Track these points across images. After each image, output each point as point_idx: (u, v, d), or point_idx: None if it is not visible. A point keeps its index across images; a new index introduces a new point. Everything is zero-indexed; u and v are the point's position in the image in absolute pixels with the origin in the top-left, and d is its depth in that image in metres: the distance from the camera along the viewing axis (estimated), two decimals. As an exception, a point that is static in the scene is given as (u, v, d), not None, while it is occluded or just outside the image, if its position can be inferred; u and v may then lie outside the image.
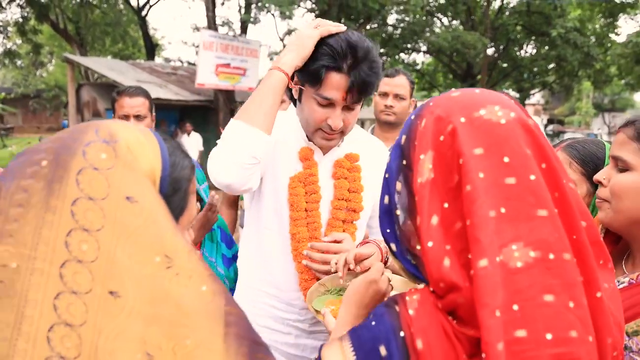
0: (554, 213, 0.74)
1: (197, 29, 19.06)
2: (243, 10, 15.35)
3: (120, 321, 0.61)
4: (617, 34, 21.70)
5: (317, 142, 1.68)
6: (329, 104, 1.55)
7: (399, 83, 2.87)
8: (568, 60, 19.30)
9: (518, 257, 0.71)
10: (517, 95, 26.13)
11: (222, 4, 16.08)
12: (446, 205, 0.78)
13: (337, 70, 1.49)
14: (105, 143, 0.69)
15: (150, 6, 21.32)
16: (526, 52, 22.64)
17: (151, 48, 21.40)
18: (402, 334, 0.76)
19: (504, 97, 0.85)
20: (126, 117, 2.64)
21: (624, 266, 1.21)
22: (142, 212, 0.66)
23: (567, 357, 0.68)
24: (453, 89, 0.90)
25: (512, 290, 0.69)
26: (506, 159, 0.75)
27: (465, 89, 0.88)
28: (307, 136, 1.71)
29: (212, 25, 14.08)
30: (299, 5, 15.71)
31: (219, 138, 1.55)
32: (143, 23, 21.08)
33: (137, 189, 0.67)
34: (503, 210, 0.73)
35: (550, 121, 32.62)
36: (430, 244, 0.76)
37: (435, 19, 20.83)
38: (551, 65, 21.88)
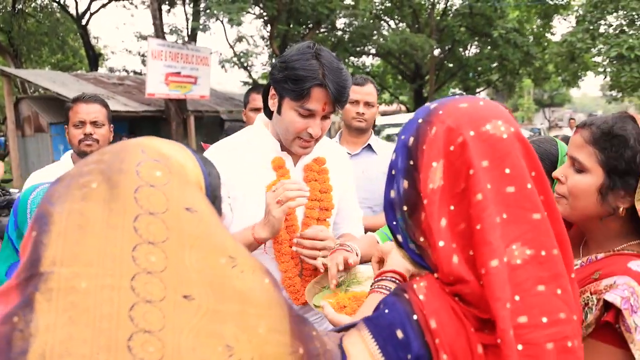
0: (544, 216, 0.87)
1: (142, 37, 18.62)
2: (191, 18, 15.09)
3: (198, 321, 0.64)
4: (552, 34, 22.70)
5: (295, 150, 1.77)
6: (310, 114, 1.66)
7: (369, 91, 2.95)
8: (510, 59, 20.05)
9: (517, 255, 0.83)
10: (464, 93, 26.89)
11: (169, 11, 15.72)
12: (452, 207, 0.88)
13: (320, 86, 1.61)
14: (156, 162, 0.73)
15: (91, 14, 20.60)
16: (470, 52, 23.31)
17: (94, 58, 20.72)
18: (415, 317, 0.85)
19: (504, 110, 0.95)
20: (82, 124, 2.47)
21: (580, 251, 1.37)
22: (202, 220, 0.71)
23: (559, 335, 0.82)
24: (457, 97, 0.98)
25: (514, 284, 0.82)
26: (507, 170, 0.87)
27: (470, 97, 0.98)
28: (281, 145, 1.82)
29: (160, 33, 13.77)
30: (248, 12, 15.58)
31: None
32: (84, 32, 20.35)
33: (193, 200, 0.72)
34: (505, 215, 0.84)
35: (494, 118, 33.69)
36: (441, 243, 0.86)
37: (382, 22, 21.14)
38: (494, 64, 22.65)
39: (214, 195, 0.85)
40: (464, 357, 0.84)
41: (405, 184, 0.94)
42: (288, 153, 1.84)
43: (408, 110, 23.66)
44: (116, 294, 0.63)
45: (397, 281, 1.21)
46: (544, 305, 0.83)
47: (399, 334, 0.85)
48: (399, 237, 0.98)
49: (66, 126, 2.57)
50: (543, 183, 0.90)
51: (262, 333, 0.68)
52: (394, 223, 0.98)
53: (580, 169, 1.25)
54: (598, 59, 16.02)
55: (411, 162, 0.93)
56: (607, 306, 1.09)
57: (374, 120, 3.02)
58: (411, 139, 0.94)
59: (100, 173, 0.70)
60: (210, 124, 16.10)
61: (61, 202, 0.68)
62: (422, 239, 0.92)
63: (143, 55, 20.36)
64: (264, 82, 20.35)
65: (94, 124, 2.50)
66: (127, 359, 0.61)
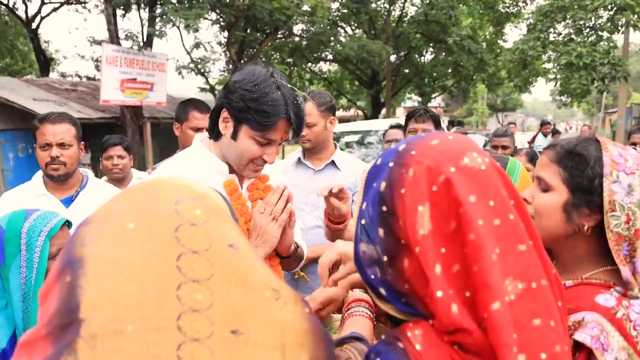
0: (530, 245, 0.85)
1: (96, 42, 18.18)
2: (146, 24, 14.83)
3: (247, 354, 0.65)
4: (504, 41, 23.39)
5: (246, 174, 1.78)
6: (268, 142, 1.68)
7: (307, 112, 2.88)
8: (464, 65, 20.53)
9: (511, 291, 0.81)
10: (420, 99, 27.35)
11: (123, 16, 15.39)
12: (443, 250, 0.84)
13: (284, 118, 1.63)
14: (193, 200, 0.73)
15: (42, 18, 19.97)
16: (426, 58, 23.76)
17: (45, 63, 20.07)
18: None
19: (473, 141, 0.94)
20: (48, 146, 2.42)
21: None
22: (245, 256, 0.72)
23: None
24: (424, 135, 0.95)
25: (512, 321, 0.79)
26: (491, 203, 0.85)
27: (437, 133, 0.95)
28: (230, 168, 1.79)
29: (114, 39, 13.47)
30: (205, 18, 15.43)
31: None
32: (34, 36, 19.70)
33: (234, 236, 0.73)
34: (497, 250, 0.82)
35: (451, 123, 34.48)
36: (439, 293, 0.82)
37: (339, 28, 21.29)
38: (449, 70, 23.16)
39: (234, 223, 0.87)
40: None
41: (381, 232, 0.90)
42: (235, 174, 1.82)
43: (365, 116, 23.89)
44: (163, 335, 0.61)
45: (370, 307, 1.23)
46: (541, 341, 0.81)
47: None
48: (382, 291, 0.92)
49: (35, 145, 2.50)
50: (521, 210, 0.89)
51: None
52: (372, 277, 0.93)
53: (545, 188, 1.26)
54: (549, 66, 16.60)
55: (384, 208, 0.89)
56: (577, 345, 1.06)
57: (325, 136, 2.95)
58: (383, 184, 0.91)
59: (135, 213, 0.69)
60: (167, 131, 15.79)
61: (96, 244, 0.67)
62: (406, 286, 0.88)
63: (96, 61, 19.84)
64: (220, 87, 20.06)
65: (61, 145, 2.43)
66: None
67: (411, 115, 3.33)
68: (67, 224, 1.60)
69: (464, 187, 0.84)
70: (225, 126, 1.70)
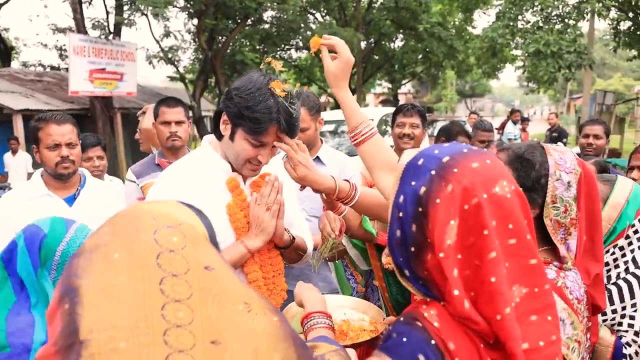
0: (540, 259, 1.05)
1: (59, 30, 17.65)
2: (113, 12, 14.49)
3: None
4: (473, 27, 23.67)
5: (245, 173, 1.94)
6: (261, 144, 1.81)
7: (300, 119, 2.93)
8: (434, 52, 20.72)
9: (517, 295, 1.02)
10: (390, 85, 27.52)
11: (89, 4, 14.99)
12: (459, 256, 1.02)
13: (275, 124, 1.77)
14: (170, 228, 0.82)
15: (1, 5, 19.25)
16: (396, 45, 23.84)
17: (6, 52, 19.42)
18: (433, 342, 1.00)
19: (505, 168, 1.12)
20: (57, 146, 2.49)
21: None
22: (219, 275, 0.81)
23: (553, 355, 1.03)
24: (467, 152, 1.08)
25: (517, 317, 0.99)
26: (510, 226, 1.03)
27: (479, 155, 1.08)
28: (231, 166, 1.95)
29: (81, 28, 13.14)
30: (174, 6, 15.15)
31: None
32: (-6, 24, 19.03)
33: (209, 258, 0.82)
34: (507, 264, 1.01)
35: (420, 109, 34.74)
36: (456, 292, 1.00)
37: (309, 15, 21.19)
38: (419, 57, 23.30)
39: (214, 243, 0.94)
40: None
41: (413, 227, 1.06)
42: (238, 173, 1.97)
43: (336, 103, 23.89)
44: (152, 349, 0.72)
45: (328, 317, 1.39)
46: (539, 332, 1.02)
47: (421, 357, 0.99)
48: (406, 272, 1.10)
49: (34, 146, 2.55)
50: (531, 226, 1.08)
51: None
52: (400, 259, 1.11)
53: None
54: (517, 53, 16.89)
55: (420, 209, 1.05)
56: None
57: (315, 135, 3.04)
58: (422, 189, 1.06)
59: (119, 244, 0.79)
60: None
61: (87, 274, 0.77)
62: (426, 273, 1.06)
63: (60, 49, 19.31)
64: (191, 76, 19.87)
65: (69, 145, 2.52)
66: None
67: (399, 110, 3.47)
68: None
69: (490, 213, 1.01)
70: (225, 128, 1.86)
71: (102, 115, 13.65)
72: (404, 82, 27.66)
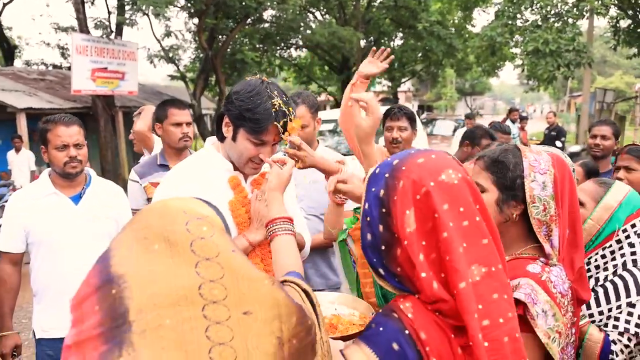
0: (490, 239, 1.14)
1: (61, 29, 17.75)
2: (115, 12, 14.58)
3: (257, 327, 0.88)
4: (473, 26, 23.71)
5: (247, 171, 2.05)
6: (262, 143, 1.93)
7: (300, 114, 3.05)
8: (434, 50, 20.77)
9: (477, 274, 1.09)
10: (390, 83, 27.58)
11: (91, 4, 15.07)
12: (424, 242, 1.13)
13: (276, 122, 1.89)
14: (199, 219, 0.94)
15: (5, 5, 19.35)
16: (396, 43, 23.89)
17: (9, 51, 19.53)
18: (406, 331, 1.10)
19: (451, 159, 1.22)
20: (65, 147, 2.61)
21: None
22: (243, 257, 0.94)
23: (511, 330, 1.09)
24: (413, 152, 1.22)
25: (477, 295, 1.08)
26: (461, 209, 1.13)
27: (423, 152, 1.22)
28: (233, 165, 2.05)
29: (84, 28, 13.24)
30: (175, 5, 15.25)
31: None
32: (-3, 23, 19.14)
33: (233, 245, 0.95)
34: (464, 244, 1.10)
35: (420, 107, 34.79)
36: (423, 274, 1.11)
37: (309, 14, 21.25)
38: (419, 56, 23.35)
39: (228, 233, 1.07)
40: (449, 358, 1.10)
41: (380, 228, 1.18)
42: (239, 172, 2.08)
43: (336, 102, 23.98)
44: (193, 323, 0.83)
45: (290, 222, 1.66)
46: (499, 310, 1.09)
47: (395, 346, 1.10)
48: (381, 271, 1.21)
49: (42, 146, 2.68)
50: (484, 211, 1.18)
51: (294, 322, 0.94)
52: (374, 260, 1.21)
53: (482, 190, 1.57)
54: (517, 50, 16.94)
55: (384, 210, 1.18)
56: (516, 301, 1.34)
57: (313, 134, 3.14)
58: (382, 191, 1.19)
59: (157, 236, 0.90)
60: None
61: (131, 264, 0.88)
62: (399, 269, 1.17)
63: (62, 48, 19.42)
64: (191, 75, 19.93)
65: (77, 146, 2.64)
66: None
67: (387, 114, 3.51)
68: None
69: (439, 198, 1.12)
70: (227, 130, 1.98)
71: (104, 114, 13.76)
72: (403, 80, 27.70)
